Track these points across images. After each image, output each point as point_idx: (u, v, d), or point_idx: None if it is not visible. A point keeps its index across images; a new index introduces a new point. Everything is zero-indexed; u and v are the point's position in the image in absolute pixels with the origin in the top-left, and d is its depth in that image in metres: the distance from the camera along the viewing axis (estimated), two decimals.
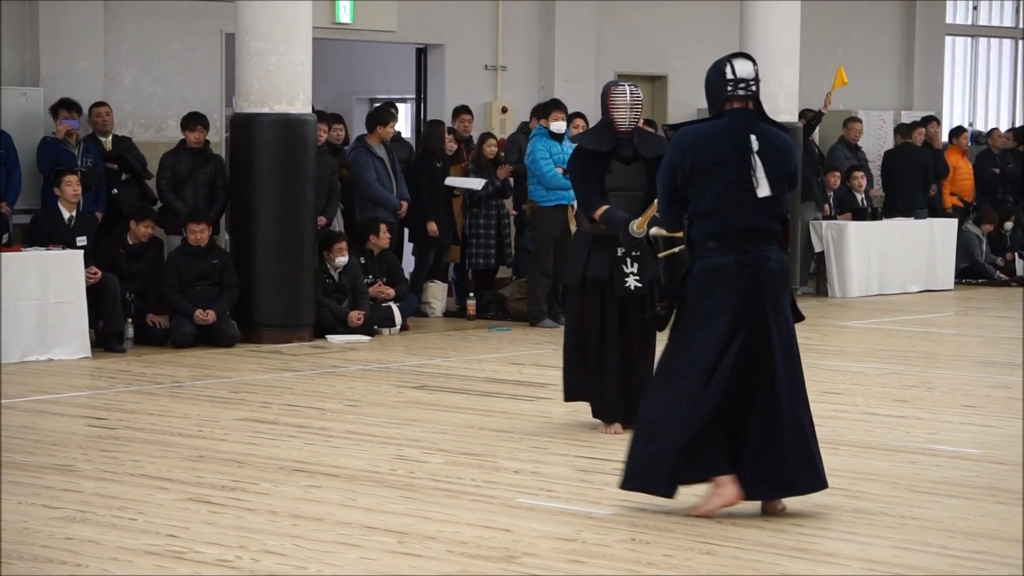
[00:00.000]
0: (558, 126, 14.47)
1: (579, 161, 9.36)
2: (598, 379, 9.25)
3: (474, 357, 12.76)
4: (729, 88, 7.03)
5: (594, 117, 16.14)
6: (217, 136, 15.58)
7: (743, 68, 7.06)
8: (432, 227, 15.12)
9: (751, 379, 6.97)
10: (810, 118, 17.95)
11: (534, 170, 14.40)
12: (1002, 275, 19.51)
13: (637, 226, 8.82)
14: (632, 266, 9.21)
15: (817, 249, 18.02)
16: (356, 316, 13.70)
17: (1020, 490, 7.80)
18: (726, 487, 7.01)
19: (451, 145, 15.65)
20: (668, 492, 7.10)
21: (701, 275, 7.05)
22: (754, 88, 7.07)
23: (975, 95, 24.04)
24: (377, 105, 17.19)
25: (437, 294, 15.57)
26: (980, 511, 7.34)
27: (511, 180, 15.68)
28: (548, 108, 14.68)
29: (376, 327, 13.95)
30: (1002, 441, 9.12)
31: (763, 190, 7.02)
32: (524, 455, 8.62)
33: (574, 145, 14.65)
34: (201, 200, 13.82)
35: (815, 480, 7.06)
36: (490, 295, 15.55)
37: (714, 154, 7.02)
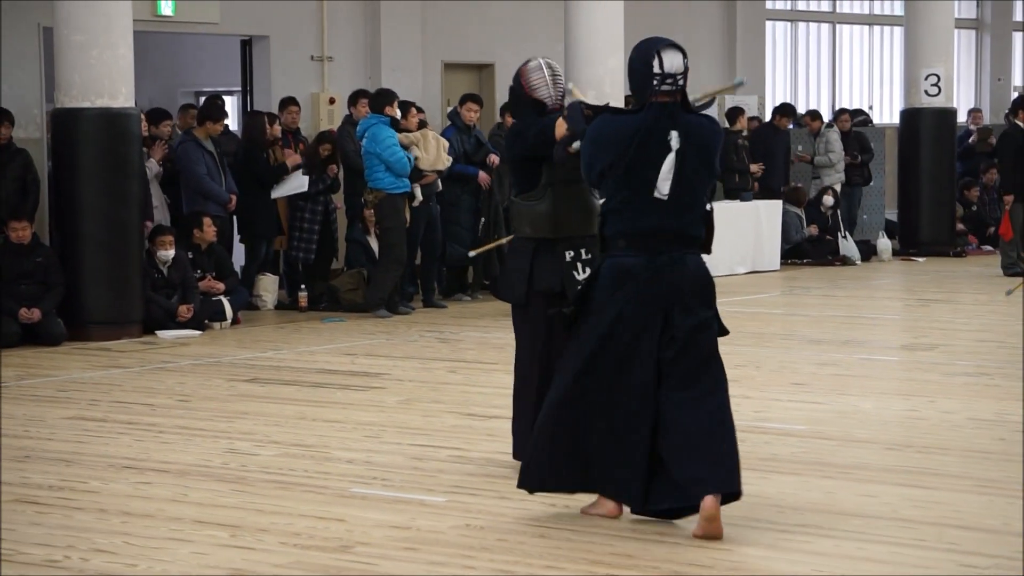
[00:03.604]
0: (398, 114, 14.54)
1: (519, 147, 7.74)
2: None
3: (306, 349, 12.68)
4: (655, 82, 6.63)
5: (425, 106, 16.23)
6: (38, 132, 15.30)
7: (671, 62, 6.63)
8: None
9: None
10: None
11: (387, 156, 14.25)
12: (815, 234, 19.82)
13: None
14: (584, 271, 7.54)
15: None
16: (186, 309, 13.55)
17: (846, 464, 7.97)
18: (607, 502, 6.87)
19: (276, 129, 15.51)
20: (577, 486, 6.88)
21: (608, 274, 6.74)
22: (681, 82, 6.67)
23: (796, 79, 24.44)
24: (208, 99, 17.01)
25: (268, 287, 15.45)
26: (807, 486, 7.48)
27: (340, 175, 15.61)
28: (391, 96, 14.62)
29: (207, 321, 13.81)
30: (829, 417, 9.29)
31: (660, 191, 6.62)
32: (357, 444, 8.60)
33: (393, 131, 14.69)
34: (13, 196, 13.56)
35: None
36: (322, 286, 15.47)
37: (632, 154, 6.63)
